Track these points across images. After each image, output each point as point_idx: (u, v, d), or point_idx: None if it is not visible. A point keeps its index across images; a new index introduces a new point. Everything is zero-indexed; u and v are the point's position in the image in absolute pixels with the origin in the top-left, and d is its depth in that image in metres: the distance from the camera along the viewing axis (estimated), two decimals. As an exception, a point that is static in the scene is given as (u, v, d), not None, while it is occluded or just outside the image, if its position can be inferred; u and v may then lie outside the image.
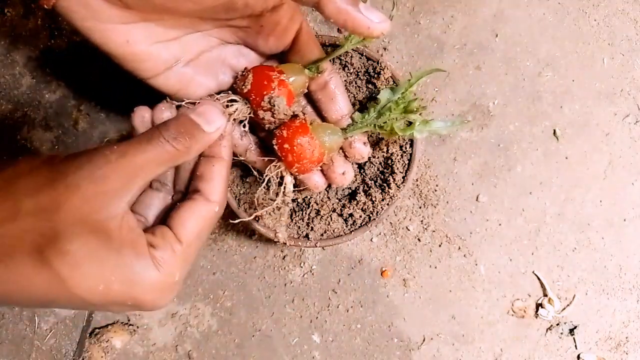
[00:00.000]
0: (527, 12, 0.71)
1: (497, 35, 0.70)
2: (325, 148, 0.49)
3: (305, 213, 0.62)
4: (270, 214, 0.53)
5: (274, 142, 0.48)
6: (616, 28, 0.70)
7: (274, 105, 0.47)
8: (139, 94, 0.71)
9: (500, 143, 0.70)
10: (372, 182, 0.62)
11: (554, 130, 0.70)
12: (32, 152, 0.71)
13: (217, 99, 0.48)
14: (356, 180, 0.63)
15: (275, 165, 0.49)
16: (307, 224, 0.61)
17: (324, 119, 0.54)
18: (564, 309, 0.68)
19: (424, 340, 0.69)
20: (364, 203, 0.61)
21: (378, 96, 0.52)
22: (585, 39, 0.70)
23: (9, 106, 0.71)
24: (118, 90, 0.71)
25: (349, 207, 0.61)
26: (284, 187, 0.50)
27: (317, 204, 0.61)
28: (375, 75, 0.60)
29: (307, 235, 0.61)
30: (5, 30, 0.72)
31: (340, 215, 0.62)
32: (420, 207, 0.69)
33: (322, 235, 0.61)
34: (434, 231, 0.69)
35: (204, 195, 0.44)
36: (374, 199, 0.60)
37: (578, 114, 0.70)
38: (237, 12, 0.44)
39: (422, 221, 0.69)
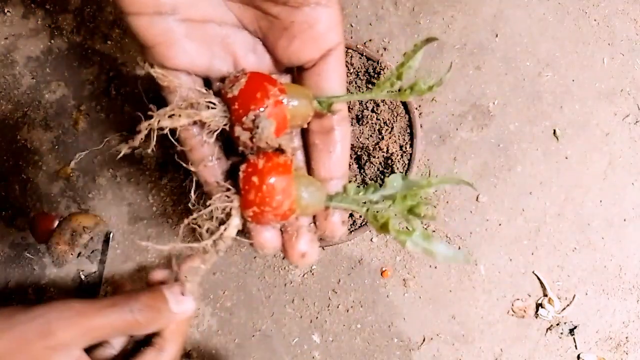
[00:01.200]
0: (527, 12, 0.71)
1: (497, 35, 0.70)
2: (299, 206, 0.38)
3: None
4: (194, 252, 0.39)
5: (241, 169, 0.37)
6: (616, 28, 0.70)
7: (257, 127, 0.35)
8: (139, 94, 0.71)
9: (500, 143, 0.70)
10: (372, 182, 0.62)
11: (554, 130, 0.70)
12: (32, 152, 0.71)
13: (191, 94, 0.38)
14: (356, 180, 0.63)
15: (228, 197, 0.37)
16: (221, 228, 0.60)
17: (309, 171, 0.42)
18: (564, 309, 0.68)
19: (424, 340, 0.69)
20: (364, 203, 0.60)
21: (386, 178, 0.41)
22: (585, 39, 0.70)
23: (9, 106, 0.71)
24: (118, 90, 0.71)
25: (349, 207, 0.61)
26: (225, 229, 0.37)
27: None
28: (375, 76, 0.60)
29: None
30: (5, 30, 0.72)
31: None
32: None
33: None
34: (434, 231, 0.69)
35: (157, 345, 0.44)
36: (374, 199, 0.60)
37: (578, 114, 0.70)
38: None
39: (422, 221, 0.69)
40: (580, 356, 0.68)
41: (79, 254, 0.69)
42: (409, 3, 0.71)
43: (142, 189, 0.71)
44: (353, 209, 0.40)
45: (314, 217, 0.42)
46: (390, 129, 0.62)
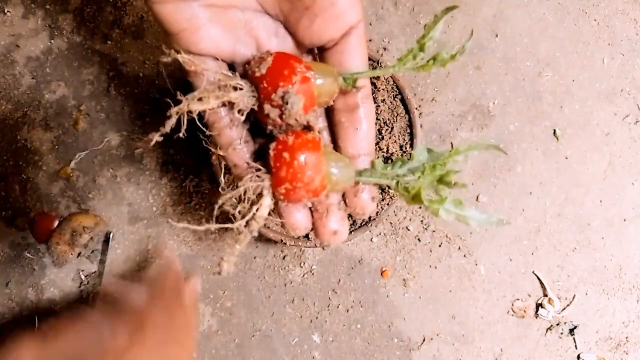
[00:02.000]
0: (527, 12, 0.71)
1: (497, 35, 0.70)
2: (330, 182, 0.38)
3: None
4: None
5: (271, 146, 0.37)
6: (616, 28, 0.70)
7: (287, 103, 0.36)
8: (139, 94, 0.71)
9: (500, 143, 0.70)
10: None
11: (554, 130, 0.70)
12: (32, 152, 0.71)
13: (220, 77, 0.39)
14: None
15: (260, 177, 0.37)
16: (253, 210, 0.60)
17: (336, 149, 0.43)
18: (564, 309, 0.68)
19: (424, 340, 0.69)
20: (364, 203, 0.60)
21: (412, 152, 0.41)
22: (586, 39, 0.70)
23: (9, 106, 0.71)
24: (118, 90, 0.71)
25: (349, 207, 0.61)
26: (257, 209, 0.37)
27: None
28: (376, 75, 0.60)
29: (307, 235, 0.61)
30: (5, 30, 0.72)
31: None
32: (420, 207, 0.69)
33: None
34: (434, 231, 0.69)
35: None
36: (374, 199, 0.60)
37: (578, 114, 0.70)
38: None
39: (422, 221, 0.69)
40: (580, 356, 0.68)
41: (79, 254, 0.69)
42: (409, 3, 0.71)
43: (142, 189, 0.71)
44: (383, 182, 0.40)
45: (344, 195, 0.42)
46: (390, 129, 0.62)
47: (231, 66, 0.41)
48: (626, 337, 0.68)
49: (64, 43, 0.72)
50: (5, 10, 0.71)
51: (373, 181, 0.40)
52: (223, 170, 0.40)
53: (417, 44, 0.39)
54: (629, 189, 0.69)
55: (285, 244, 0.59)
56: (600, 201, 0.69)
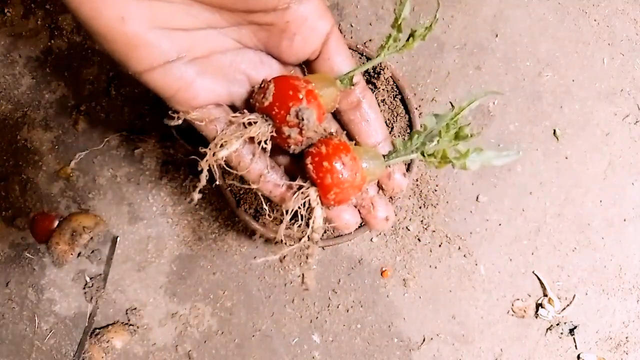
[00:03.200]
0: (527, 12, 0.71)
1: (497, 35, 0.70)
2: (368, 173, 0.41)
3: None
4: (294, 254, 0.43)
5: (308, 161, 0.39)
6: (616, 28, 0.70)
7: (303, 119, 0.38)
8: (139, 94, 0.71)
9: (500, 143, 0.70)
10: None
11: (554, 130, 0.70)
12: (32, 152, 0.71)
13: (231, 120, 0.41)
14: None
15: (304, 193, 0.40)
16: (307, 224, 0.61)
17: (356, 144, 0.46)
18: (564, 309, 0.68)
19: (424, 340, 0.69)
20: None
21: (422, 123, 0.44)
22: (586, 39, 0.70)
23: (9, 106, 0.71)
24: (118, 90, 0.71)
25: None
26: (313, 222, 0.40)
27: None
28: (375, 75, 0.60)
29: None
30: (5, 30, 0.72)
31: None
32: (420, 207, 0.69)
33: (322, 235, 0.61)
34: (434, 231, 0.69)
35: None
36: (374, 199, 0.60)
37: (578, 114, 0.70)
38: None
39: (422, 221, 0.69)
40: (580, 356, 0.68)
41: (79, 254, 0.69)
42: (409, 3, 0.71)
43: (142, 189, 0.71)
44: (409, 157, 0.44)
45: (378, 184, 0.45)
46: (390, 129, 0.62)
47: (232, 108, 0.43)
48: (626, 337, 0.68)
49: (64, 43, 0.72)
50: (5, 10, 0.71)
51: (400, 160, 0.43)
52: (263, 201, 0.43)
53: (393, 27, 0.42)
54: (629, 189, 0.69)
55: (285, 243, 0.59)
56: (600, 201, 0.69)
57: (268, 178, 0.42)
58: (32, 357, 0.69)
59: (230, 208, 0.61)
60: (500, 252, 0.69)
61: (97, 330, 0.69)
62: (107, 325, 0.69)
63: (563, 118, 0.70)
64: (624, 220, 0.69)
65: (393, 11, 0.43)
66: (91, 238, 0.68)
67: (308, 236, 0.40)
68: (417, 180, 0.69)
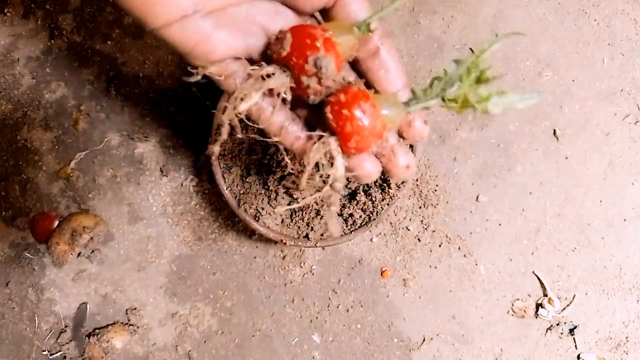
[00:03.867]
0: (527, 12, 0.71)
1: (497, 35, 0.70)
2: (388, 120, 0.41)
3: (305, 213, 0.62)
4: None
5: (327, 110, 0.39)
6: (616, 28, 0.70)
7: (321, 68, 0.38)
8: (139, 94, 0.71)
9: (500, 143, 0.70)
10: (372, 182, 0.62)
11: (554, 130, 0.70)
12: (32, 152, 0.71)
13: (249, 73, 0.40)
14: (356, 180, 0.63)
15: (325, 142, 0.40)
16: (307, 224, 0.61)
17: (375, 93, 0.45)
18: (564, 309, 0.68)
19: (424, 340, 0.69)
20: (364, 203, 0.61)
21: (443, 68, 0.43)
22: (585, 39, 0.70)
23: (9, 106, 0.71)
24: (118, 90, 0.71)
25: (349, 207, 0.61)
26: (336, 170, 0.40)
27: (317, 204, 0.61)
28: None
29: (307, 235, 0.61)
30: (5, 30, 0.72)
31: (340, 215, 0.62)
32: (420, 207, 0.69)
33: (322, 235, 0.61)
34: (434, 231, 0.69)
35: None
36: (373, 199, 0.60)
37: (578, 114, 0.70)
38: None
39: (422, 221, 0.69)
40: (580, 356, 0.68)
41: (79, 254, 0.69)
42: (409, 3, 0.71)
43: (142, 189, 0.71)
44: (429, 104, 0.42)
45: (399, 132, 0.45)
46: (390, 129, 0.62)
47: (250, 61, 0.42)
48: (626, 337, 0.68)
49: (64, 43, 0.72)
50: (5, 10, 0.71)
51: (421, 106, 0.43)
52: (285, 153, 0.43)
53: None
54: (629, 189, 0.69)
55: (285, 243, 0.60)
56: (600, 201, 0.69)
57: (289, 130, 0.42)
58: (32, 357, 0.69)
59: (230, 208, 0.61)
60: (500, 252, 0.69)
61: (97, 330, 0.69)
62: (107, 325, 0.69)
63: (563, 118, 0.70)
64: (624, 220, 0.69)
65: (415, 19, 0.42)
66: (91, 238, 0.68)
67: (331, 185, 0.40)
68: (417, 180, 0.69)
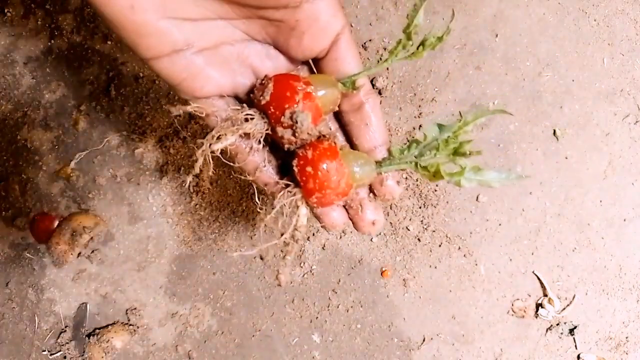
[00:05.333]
0: (527, 12, 0.71)
1: (497, 35, 0.70)
2: (354, 180, 0.41)
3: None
4: (276, 249, 0.44)
5: (294, 163, 0.40)
6: (616, 28, 0.70)
7: (297, 122, 0.39)
8: (139, 94, 0.71)
9: (500, 143, 0.70)
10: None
11: (554, 130, 0.70)
12: (32, 152, 0.71)
13: (229, 113, 0.41)
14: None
15: (290, 192, 0.41)
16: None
17: (353, 147, 0.46)
18: (564, 309, 0.68)
19: (424, 340, 0.69)
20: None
21: (423, 131, 0.44)
22: (585, 39, 0.70)
23: (9, 106, 0.71)
24: (118, 90, 0.71)
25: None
26: (297, 220, 0.41)
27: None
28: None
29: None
30: (6, 30, 0.72)
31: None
32: (420, 207, 0.69)
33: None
34: (434, 231, 0.69)
35: None
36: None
37: (578, 114, 0.70)
38: None
39: (422, 221, 0.69)
40: (580, 356, 0.68)
41: (79, 254, 0.69)
42: (409, 3, 0.71)
43: (142, 189, 0.71)
44: (403, 167, 0.43)
45: (371, 187, 0.45)
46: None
47: (237, 98, 0.43)
48: (626, 337, 0.68)
49: (64, 43, 0.72)
50: (5, 11, 0.71)
51: (393, 168, 0.43)
52: (256, 193, 0.45)
53: (404, 33, 0.42)
54: (629, 188, 0.69)
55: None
56: (600, 201, 0.69)
57: (263, 172, 0.43)
58: (32, 357, 0.69)
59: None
60: (500, 252, 0.69)
61: (97, 331, 0.69)
62: (107, 325, 0.69)
63: (563, 118, 0.70)
64: (624, 220, 0.69)
65: (406, 17, 0.42)
66: (91, 238, 0.68)
67: (290, 233, 0.41)
68: (417, 180, 0.69)
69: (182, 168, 0.70)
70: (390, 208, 0.69)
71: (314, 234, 0.69)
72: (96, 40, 0.72)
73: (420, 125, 0.70)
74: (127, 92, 0.71)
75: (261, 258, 0.61)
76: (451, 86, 0.70)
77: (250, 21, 0.41)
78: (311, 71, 0.44)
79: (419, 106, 0.70)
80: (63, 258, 0.68)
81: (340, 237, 0.69)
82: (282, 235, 0.41)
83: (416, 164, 0.42)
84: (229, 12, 0.40)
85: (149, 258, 0.70)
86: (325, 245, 0.69)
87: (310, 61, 0.44)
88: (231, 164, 0.43)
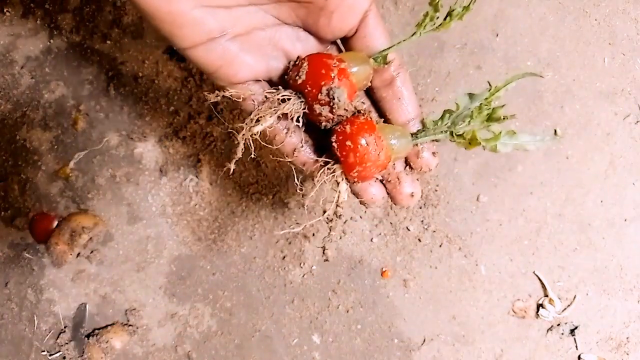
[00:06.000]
0: (528, 11, 0.70)
1: (497, 35, 0.70)
2: (392, 152, 0.42)
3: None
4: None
5: (333, 139, 0.41)
6: (617, 28, 0.70)
7: (334, 98, 0.40)
8: (139, 94, 0.71)
9: (501, 143, 0.69)
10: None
11: (555, 130, 0.70)
12: (32, 152, 0.71)
13: (266, 95, 0.42)
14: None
15: (330, 169, 0.41)
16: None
17: (387, 121, 0.46)
18: (565, 309, 0.68)
19: (424, 340, 0.68)
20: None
21: (455, 101, 0.44)
22: (586, 38, 0.70)
23: (8, 106, 0.71)
24: (118, 90, 0.71)
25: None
26: (338, 196, 0.42)
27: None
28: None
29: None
30: (5, 29, 0.71)
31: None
32: (420, 207, 0.69)
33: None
34: (434, 231, 0.69)
35: None
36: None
37: (579, 114, 0.70)
38: None
39: (422, 221, 0.69)
40: (581, 356, 0.68)
41: (78, 254, 0.69)
42: (410, 2, 0.71)
43: (142, 189, 0.70)
44: (438, 137, 0.44)
45: (406, 160, 0.46)
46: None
47: (270, 82, 0.44)
48: (627, 338, 0.68)
49: (63, 42, 0.71)
50: (5, 10, 0.71)
51: (429, 139, 0.44)
52: (295, 173, 0.45)
53: (430, 5, 0.43)
54: (629, 188, 0.69)
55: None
56: (601, 201, 0.69)
57: (301, 152, 0.44)
58: (31, 358, 0.69)
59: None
60: (500, 252, 0.69)
61: (97, 331, 0.69)
62: (107, 326, 0.69)
63: (564, 118, 0.70)
64: (625, 220, 0.69)
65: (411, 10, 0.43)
66: (90, 238, 0.68)
67: (333, 209, 0.42)
68: (417, 180, 0.69)
69: (182, 168, 0.70)
70: (391, 208, 0.69)
71: (314, 234, 0.69)
72: (95, 40, 0.71)
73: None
74: (126, 92, 0.71)
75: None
76: (452, 86, 0.70)
77: (280, 5, 0.41)
78: (339, 51, 0.45)
79: (420, 105, 0.69)
80: (62, 258, 0.68)
81: (340, 238, 0.69)
82: (324, 212, 0.42)
83: (451, 132, 0.43)
84: None
85: (149, 258, 0.70)
86: (325, 246, 0.69)
87: (339, 41, 0.45)
88: (270, 146, 0.44)
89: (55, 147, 0.71)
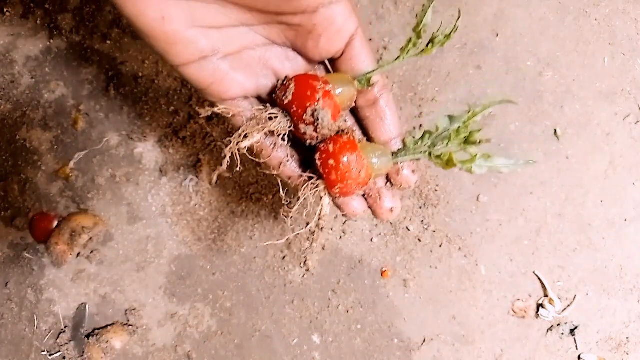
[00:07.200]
0: (528, 11, 0.70)
1: (497, 35, 0.70)
2: (373, 170, 0.44)
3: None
4: (294, 254, 0.47)
5: (317, 157, 0.43)
6: (617, 28, 0.70)
7: (318, 119, 0.42)
8: (139, 94, 0.71)
9: (501, 143, 0.69)
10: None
11: (555, 130, 0.70)
12: (31, 151, 0.71)
13: (254, 113, 0.44)
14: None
15: (314, 184, 0.44)
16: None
17: (370, 140, 0.49)
18: (565, 309, 0.68)
19: (424, 340, 0.68)
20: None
21: (436, 122, 0.46)
22: (586, 38, 0.70)
23: (8, 106, 0.71)
24: (118, 89, 0.71)
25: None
26: (320, 210, 0.44)
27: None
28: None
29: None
30: (5, 29, 0.71)
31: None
32: (420, 207, 0.69)
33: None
34: (434, 231, 0.69)
35: None
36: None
37: (579, 114, 0.70)
38: (292, 3, 0.41)
39: (422, 221, 0.69)
40: (581, 357, 0.68)
41: (78, 254, 0.69)
42: (409, 2, 0.71)
43: (142, 189, 0.70)
44: (417, 157, 0.46)
45: (388, 177, 0.48)
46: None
47: (259, 99, 0.46)
48: (627, 338, 0.68)
49: (63, 42, 0.71)
50: (5, 10, 0.71)
51: (409, 159, 0.46)
52: (281, 186, 0.47)
53: (414, 32, 0.45)
54: (630, 189, 0.69)
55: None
56: (601, 201, 0.69)
57: (287, 166, 0.46)
58: (31, 358, 0.69)
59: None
60: (500, 252, 0.69)
61: (97, 331, 0.69)
62: (107, 326, 0.69)
63: (564, 118, 0.70)
64: (625, 220, 0.69)
65: (415, 16, 0.44)
66: (90, 238, 0.68)
67: (315, 222, 0.44)
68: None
69: (182, 168, 0.70)
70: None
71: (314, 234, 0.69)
72: (95, 40, 0.71)
73: (420, 125, 0.70)
74: (126, 92, 0.71)
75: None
76: (452, 86, 0.70)
77: (270, 26, 0.44)
78: (327, 71, 0.47)
79: (419, 106, 0.70)
80: (62, 258, 0.68)
81: (340, 238, 0.69)
82: (307, 225, 0.44)
83: (430, 153, 0.45)
84: (250, 19, 0.43)
85: (149, 258, 0.70)
86: (325, 246, 0.69)
87: (327, 61, 0.47)
88: (257, 160, 0.46)
89: (55, 147, 0.71)
